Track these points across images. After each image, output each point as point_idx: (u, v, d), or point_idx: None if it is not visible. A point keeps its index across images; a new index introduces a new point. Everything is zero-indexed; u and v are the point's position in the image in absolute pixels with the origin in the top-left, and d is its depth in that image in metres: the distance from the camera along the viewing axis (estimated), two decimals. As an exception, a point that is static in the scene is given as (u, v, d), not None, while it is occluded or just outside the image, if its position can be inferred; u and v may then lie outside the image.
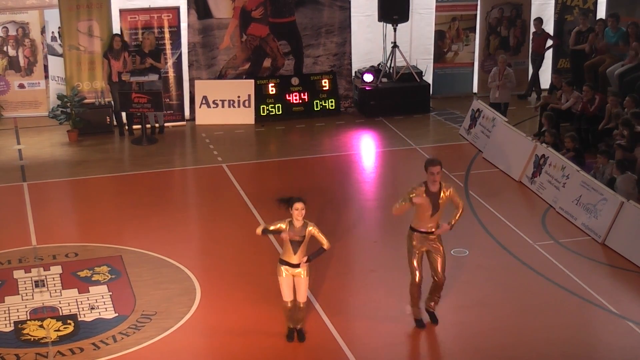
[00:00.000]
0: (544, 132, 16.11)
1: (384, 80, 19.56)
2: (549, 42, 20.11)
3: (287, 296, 10.64)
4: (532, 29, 20.25)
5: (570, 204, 14.26)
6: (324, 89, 19.45)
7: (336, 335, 11.01)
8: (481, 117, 17.48)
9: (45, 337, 11.02)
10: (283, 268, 10.56)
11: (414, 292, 11.05)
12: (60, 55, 18.78)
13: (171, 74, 18.78)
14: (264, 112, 19.15)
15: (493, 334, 11.15)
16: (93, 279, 12.43)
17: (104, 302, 11.82)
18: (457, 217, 10.90)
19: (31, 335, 11.07)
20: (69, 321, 11.35)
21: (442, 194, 10.69)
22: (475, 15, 20.46)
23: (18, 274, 12.59)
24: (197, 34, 18.97)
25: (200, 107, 19.03)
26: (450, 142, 17.86)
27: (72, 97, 18.05)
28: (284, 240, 10.50)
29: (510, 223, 14.08)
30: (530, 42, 20.39)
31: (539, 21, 20.02)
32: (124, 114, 18.30)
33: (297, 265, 10.49)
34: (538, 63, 20.21)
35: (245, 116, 19.07)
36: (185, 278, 12.44)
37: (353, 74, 19.95)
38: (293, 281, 10.59)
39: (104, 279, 12.43)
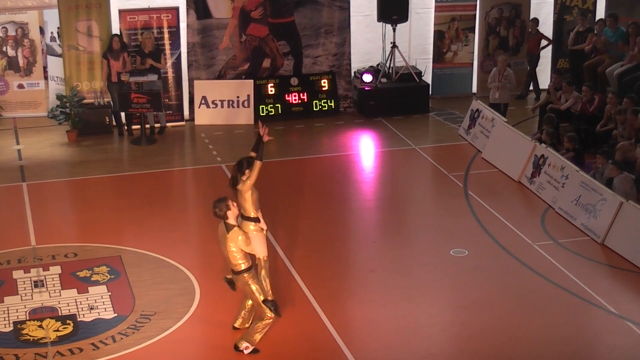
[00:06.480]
0: (543, 131, 16.11)
1: (383, 80, 19.55)
2: (544, 42, 20.12)
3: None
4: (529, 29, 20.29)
5: (569, 204, 14.25)
6: (323, 89, 19.44)
7: (335, 335, 11.01)
8: (480, 117, 17.48)
9: (45, 338, 11.01)
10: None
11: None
12: (60, 56, 18.77)
13: (170, 74, 18.77)
14: (263, 113, 19.14)
15: (492, 334, 11.15)
16: (92, 279, 12.42)
17: (103, 302, 11.82)
18: None
19: (30, 336, 11.07)
20: (68, 321, 11.35)
21: None
22: (475, 15, 20.46)
23: (17, 274, 12.58)
24: (196, 34, 18.96)
25: (199, 107, 19.02)
26: (450, 142, 17.85)
27: (71, 97, 18.03)
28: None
29: (509, 223, 14.08)
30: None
31: (535, 22, 20.03)
32: (123, 114, 18.29)
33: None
34: (533, 63, 20.22)
35: (245, 116, 19.07)
36: (185, 278, 12.44)
37: (352, 74, 19.93)
38: None
39: (103, 279, 12.42)
